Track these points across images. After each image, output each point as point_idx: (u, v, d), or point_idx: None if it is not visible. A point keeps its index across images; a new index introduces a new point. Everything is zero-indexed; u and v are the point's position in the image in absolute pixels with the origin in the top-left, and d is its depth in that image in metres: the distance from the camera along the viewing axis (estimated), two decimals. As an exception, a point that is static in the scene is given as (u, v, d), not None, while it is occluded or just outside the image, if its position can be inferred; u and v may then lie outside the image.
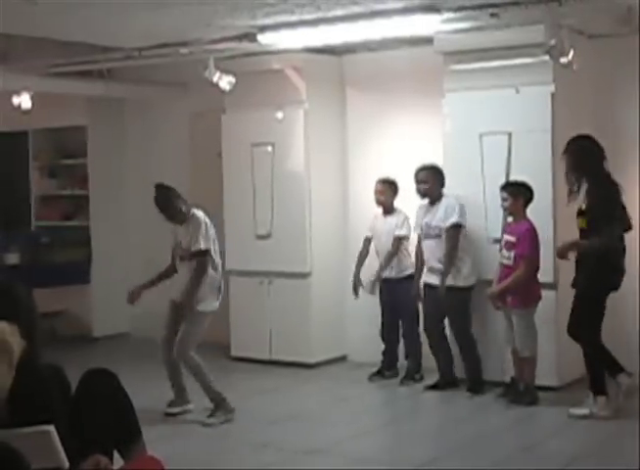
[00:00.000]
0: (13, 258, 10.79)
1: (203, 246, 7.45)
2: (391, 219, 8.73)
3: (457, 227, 8.16)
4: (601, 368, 7.29)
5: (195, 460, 6.46)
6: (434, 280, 8.26)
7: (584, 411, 7.24)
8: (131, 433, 3.87)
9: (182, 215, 7.56)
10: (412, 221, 8.63)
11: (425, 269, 8.42)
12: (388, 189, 8.76)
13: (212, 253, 7.56)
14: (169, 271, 7.88)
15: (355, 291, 8.83)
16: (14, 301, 3.60)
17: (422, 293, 8.47)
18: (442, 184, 8.31)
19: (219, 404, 7.48)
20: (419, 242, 8.49)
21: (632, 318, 8.09)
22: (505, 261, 7.80)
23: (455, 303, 8.18)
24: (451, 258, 8.12)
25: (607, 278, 7.19)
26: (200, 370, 7.45)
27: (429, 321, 8.40)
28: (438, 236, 8.21)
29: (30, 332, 3.49)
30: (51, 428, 3.21)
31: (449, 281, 8.15)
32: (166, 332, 7.72)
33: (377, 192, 8.78)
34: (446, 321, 8.33)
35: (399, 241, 8.65)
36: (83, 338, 11.14)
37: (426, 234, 8.33)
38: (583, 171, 7.23)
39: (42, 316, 3.81)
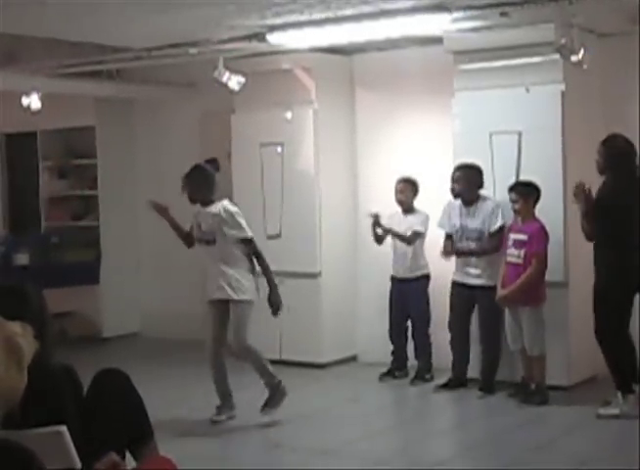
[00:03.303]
0: (23, 259, 10.81)
1: (249, 234, 7.46)
2: (411, 218, 8.68)
3: (502, 230, 8.07)
4: (627, 366, 7.24)
5: (206, 461, 6.45)
6: (468, 280, 8.20)
7: (614, 411, 7.19)
8: (143, 433, 3.86)
9: (210, 199, 7.53)
10: (434, 219, 8.57)
11: (456, 268, 8.33)
12: (408, 188, 8.71)
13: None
14: (188, 237, 7.78)
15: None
16: (25, 301, 3.60)
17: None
18: (480, 185, 8.18)
19: (274, 389, 7.47)
20: (449, 240, 8.37)
21: None
22: (514, 260, 7.78)
23: (489, 301, 8.08)
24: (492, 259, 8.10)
25: (628, 278, 7.15)
26: (261, 361, 7.45)
27: (456, 319, 8.33)
28: (478, 239, 8.13)
29: (42, 332, 3.48)
30: (63, 428, 3.21)
31: (483, 281, 8.13)
32: (215, 333, 7.57)
33: (397, 191, 8.73)
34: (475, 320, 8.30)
35: (416, 236, 8.59)
36: (93, 338, 11.15)
37: (461, 237, 8.22)
38: (607, 172, 7.24)
39: (52, 317, 3.81)
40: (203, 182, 7.54)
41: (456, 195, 8.25)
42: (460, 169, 8.19)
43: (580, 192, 7.12)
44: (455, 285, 8.35)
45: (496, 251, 8.06)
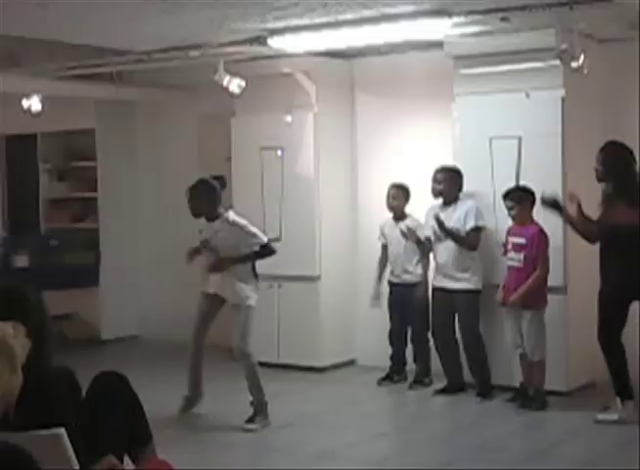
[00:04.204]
0: (22, 261, 10.79)
1: (265, 239, 7.48)
2: (403, 224, 8.67)
3: (478, 230, 8.14)
4: (625, 372, 7.24)
5: (204, 464, 6.45)
6: (447, 284, 8.23)
7: (613, 417, 7.18)
8: (142, 436, 3.87)
9: (215, 215, 7.50)
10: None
11: (436, 272, 8.38)
12: (401, 194, 8.73)
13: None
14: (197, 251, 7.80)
15: (376, 300, 8.84)
16: (24, 303, 3.59)
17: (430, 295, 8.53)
18: (459, 187, 8.27)
19: (260, 409, 7.45)
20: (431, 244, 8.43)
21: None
22: (515, 264, 7.78)
23: (467, 306, 8.16)
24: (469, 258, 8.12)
25: (630, 285, 7.15)
26: (255, 371, 7.46)
27: (439, 325, 8.36)
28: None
29: (41, 335, 3.49)
30: (61, 431, 3.20)
31: (462, 285, 8.14)
32: (200, 324, 7.72)
33: (390, 197, 8.75)
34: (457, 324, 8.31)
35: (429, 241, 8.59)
36: (92, 341, 11.13)
37: (439, 237, 8.27)
38: (607, 179, 7.25)
39: (51, 319, 3.80)
40: (207, 198, 7.51)
41: (437, 194, 8.32)
42: (442, 171, 8.28)
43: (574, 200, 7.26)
44: (435, 290, 8.38)
45: (472, 249, 8.11)
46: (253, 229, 7.46)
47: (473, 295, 8.16)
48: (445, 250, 8.25)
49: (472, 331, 8.21)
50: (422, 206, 8.67)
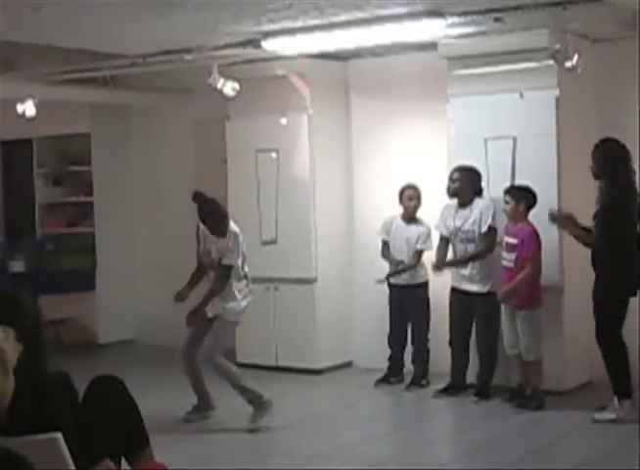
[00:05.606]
0: (18, 266, 10.79)
1: (229, 261, 7.50)
2: (414, 229, 8.65)
3: (493, 230, 8.06)
4: (624, 371, 7.23)
5: (202, 467, 6.46)
6: (466, 286, 8.18)
7: (610, 416, 7.18)
8: (139, 439, 3.87)
9: (225, 230, 7.55)
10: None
11: (454, 273, 8.30)
12: (416, 195, 8.66)
13: (240, 265, 7.60)
14: (200, 275, 7.86)
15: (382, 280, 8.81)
16: (19, 307, 3.58)
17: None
18: (477, 188, 8.15)
19: (258, 404, 7.46)
20: (443, 242, 8.34)
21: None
22: (507, 264, 7.78)
23: (486, 308, 8.06)
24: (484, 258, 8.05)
25: (625, 283, 7.15)
26: (231, 374, 7.46)
27: (456, 326, 8.28)
28: (472, 241, 8.09)
29: (37, 339, 3.49)
30: (58, 435, 3.20)
31: (479, 287, 8.10)
32: (187, 342, 7.69)
33: (407, 198, 8.67)
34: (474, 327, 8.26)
35: (420, 254, 8.58)
36: (88, 345, 11.13)
37: (456, 238, 8.18)
38: (602, 176, 7.25)
39: (48, 324, 3.80)
40: (219, 221, 7.55)
41: (452, 194, 8.22)
42: (459, 170, 8.17)
43: (566, 222, 7.27)
44: (453, 291, 8.33)
45: (489, 252, 8.04)
46: (230, 250, 7.51)
47: (491, 297, 8.04)
48: (464, 251, 8.19)
49: (489, 333, 8.10)
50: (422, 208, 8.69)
